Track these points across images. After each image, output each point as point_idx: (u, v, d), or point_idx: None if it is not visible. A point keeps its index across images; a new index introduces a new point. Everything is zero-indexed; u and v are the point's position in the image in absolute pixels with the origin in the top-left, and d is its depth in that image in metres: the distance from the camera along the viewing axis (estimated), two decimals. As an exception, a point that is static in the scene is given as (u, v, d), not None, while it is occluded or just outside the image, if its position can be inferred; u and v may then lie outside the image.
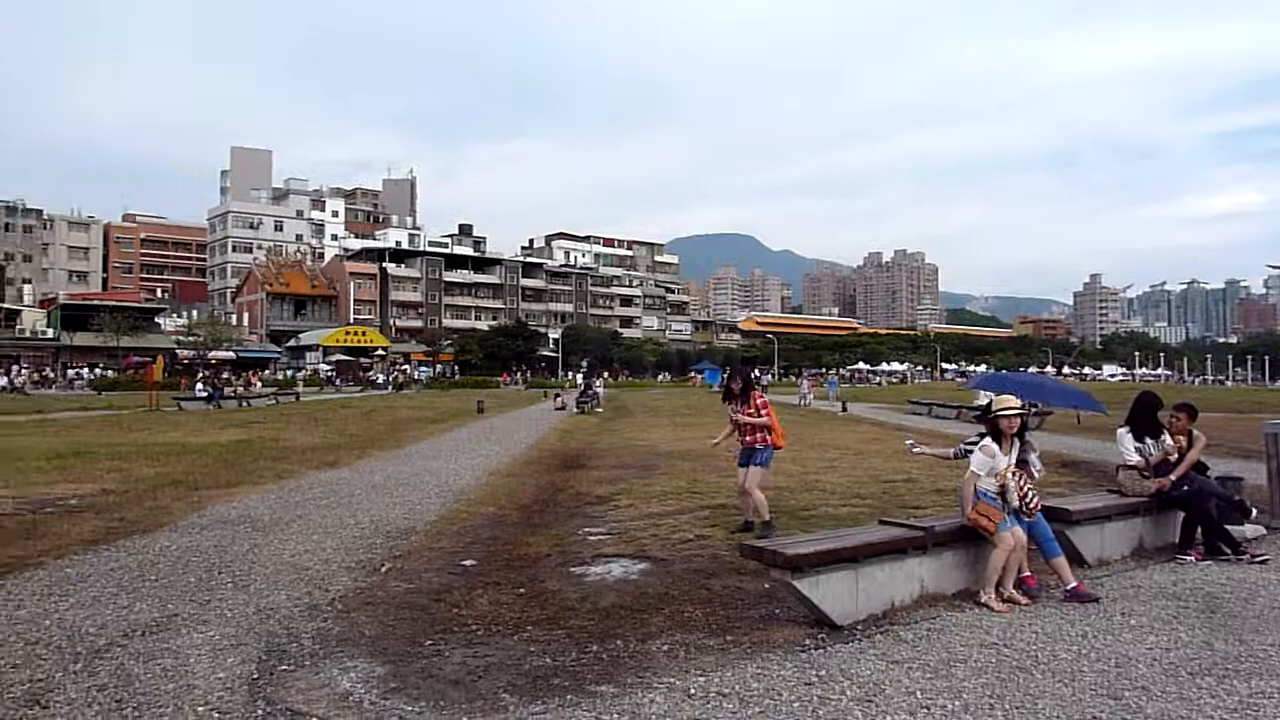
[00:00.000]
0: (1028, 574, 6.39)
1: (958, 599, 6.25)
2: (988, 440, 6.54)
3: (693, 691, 4.45)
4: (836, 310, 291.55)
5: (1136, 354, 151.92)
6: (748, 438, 8.92)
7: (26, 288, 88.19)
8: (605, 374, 75.63)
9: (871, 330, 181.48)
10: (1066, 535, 7.25)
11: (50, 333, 73.06)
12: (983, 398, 6.88)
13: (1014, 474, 6.43)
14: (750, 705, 4.28)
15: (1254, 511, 8.76)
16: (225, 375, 49.84)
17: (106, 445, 17.75)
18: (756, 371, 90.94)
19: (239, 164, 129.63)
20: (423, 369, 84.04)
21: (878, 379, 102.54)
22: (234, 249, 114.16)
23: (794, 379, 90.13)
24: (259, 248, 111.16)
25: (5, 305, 75.46)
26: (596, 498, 11.21)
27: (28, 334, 72.64)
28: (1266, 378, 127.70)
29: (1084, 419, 22.33)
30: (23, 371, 63.01)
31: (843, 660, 4.97)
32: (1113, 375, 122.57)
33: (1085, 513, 7.56)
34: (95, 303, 76.26)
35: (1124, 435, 8.30)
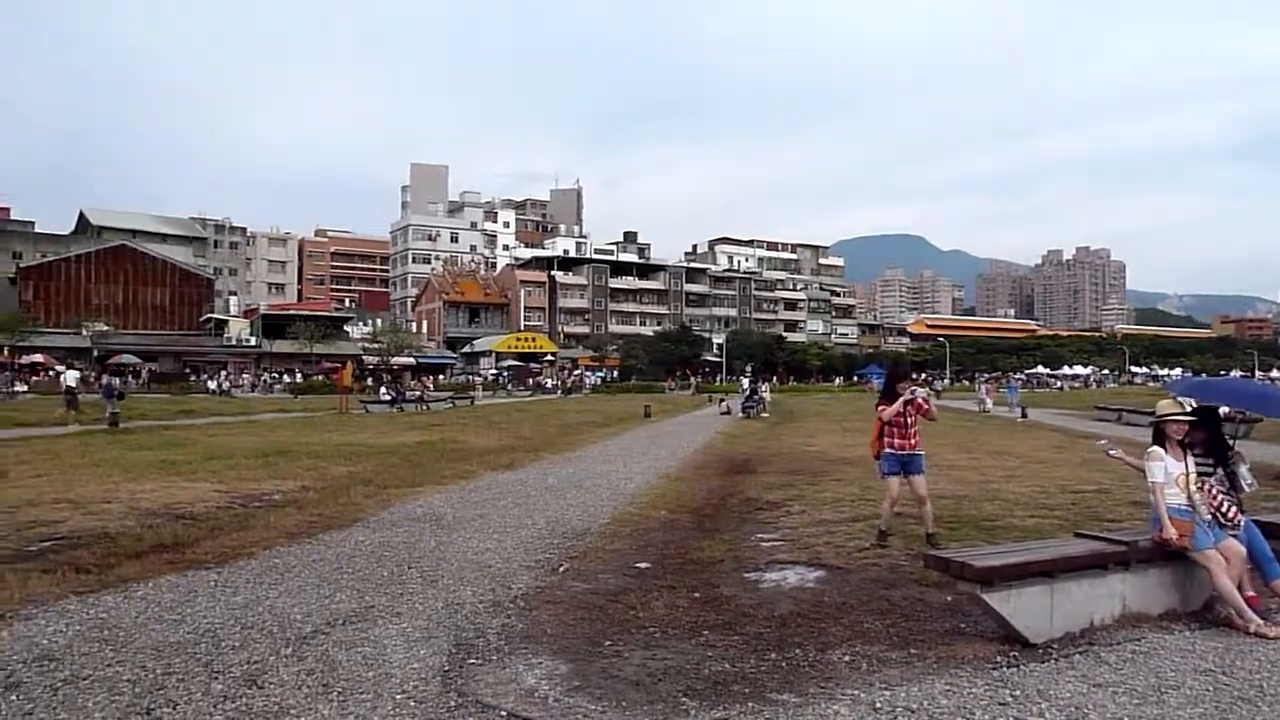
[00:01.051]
0: (1251, 594, 5.86)
1: (1165, 620, 5.80)
2: (1154, 447, 6.07)
3: (879, 705, 4.32)
4: (1012, 311, 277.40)
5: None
6: (912, 441, 8.39)
7: (233, 299, 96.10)
8: (773, 378, 75.00)
9: (1051, 332, 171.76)
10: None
11: (252, 340, 79.34)
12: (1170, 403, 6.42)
13: (1203, 485, 5.95)
14: (940, 723, 4.11)
15: None
16: (415, 380, 52.52)
17: (304, 445, 19.07)
18: (926, 375, 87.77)
19: (418, 179, 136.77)
20: (594, 375, 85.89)
21: (1058, 384, 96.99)
22: (414, 260, 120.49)
23: (968, 383, 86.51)
24: (436, 259, 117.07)
25: (215, 315, 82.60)
26: (767, 503, 11.10)
27: (234, 341, 79.15)
28: None
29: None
30: (242, 376, 68.79)
31: (1039, 680, 4.70)
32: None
33: (1312, 530, 6.85)
34: (291, 313, 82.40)
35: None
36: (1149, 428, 6.40)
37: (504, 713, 4.26)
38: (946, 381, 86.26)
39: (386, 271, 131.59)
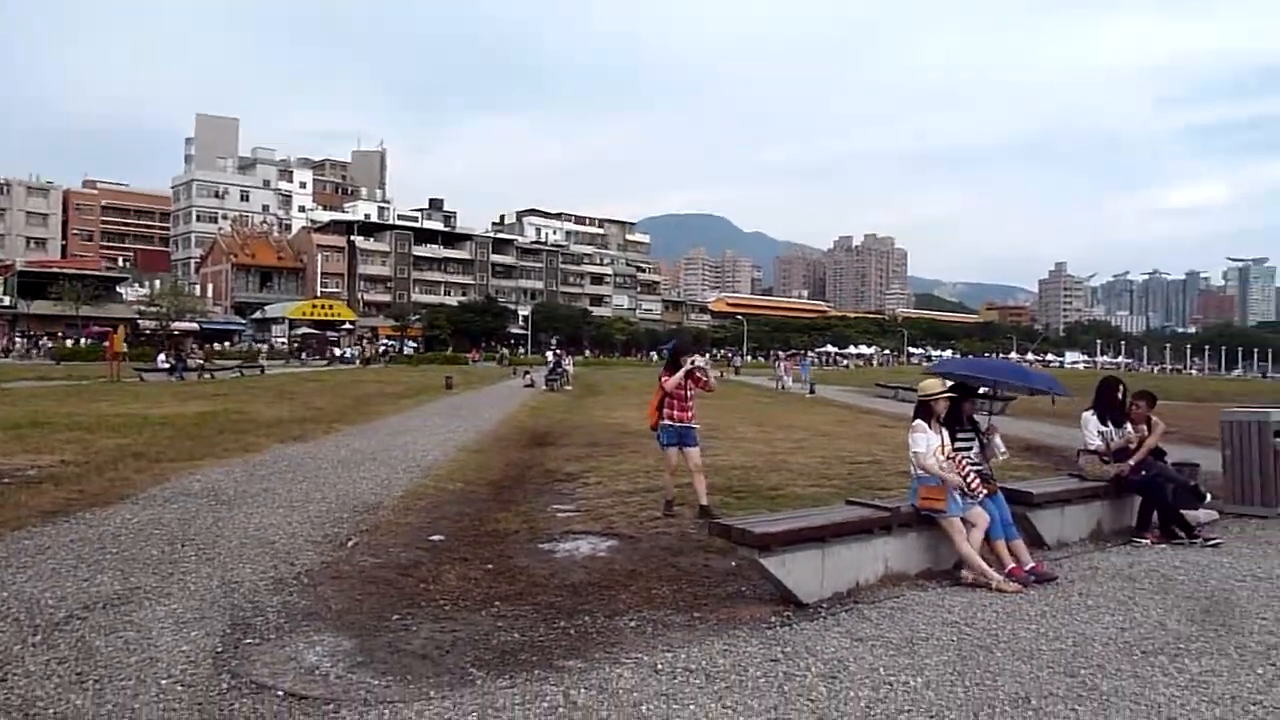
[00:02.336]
0: (1013, 565, 6.46)
1: (920, 579, 6.34)
2: (917, 421, 6.64)
3: (660, 667, 4.49)
4: (806, 293, 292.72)
5: (1098, 342, 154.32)
6: (689, 414, 8.57)
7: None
8: (585, 352, 75.28)
9: (840, 313, 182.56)
10: (1028, 518, 7.38)
11: (6, 300, 71.51)
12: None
13: (953, 457, 6.55)
14: (717, 681, 4.32)
15: (1208, 496, 8.94)
16: (197, 347, 49.10)
17: (65, 416, 17.45)
18: (725, 351, 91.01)
19: (205, 132, 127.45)
20: (410, 344, 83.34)
21: (845, 362, 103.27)
22: (198, 218, 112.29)
23: (763, 361, 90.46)
24: (224, 218, 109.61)
25: (-40, 271, 73.88)
26: (566, 475, 11.22)
27: (-18, 301, 71.12)
28: (1223, 367, 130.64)
29: (1057, 403, 22.54)
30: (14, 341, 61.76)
31: (808, 637, 5.03)
32: (1075, 362, 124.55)
33: (1046, 496, 7.70)
34: (54, 270, 74.71)
35: (1090, 419, 8.44)
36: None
37: (281, 692, 4.11)
38: (748, 358, 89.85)
39: (167, 229, 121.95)
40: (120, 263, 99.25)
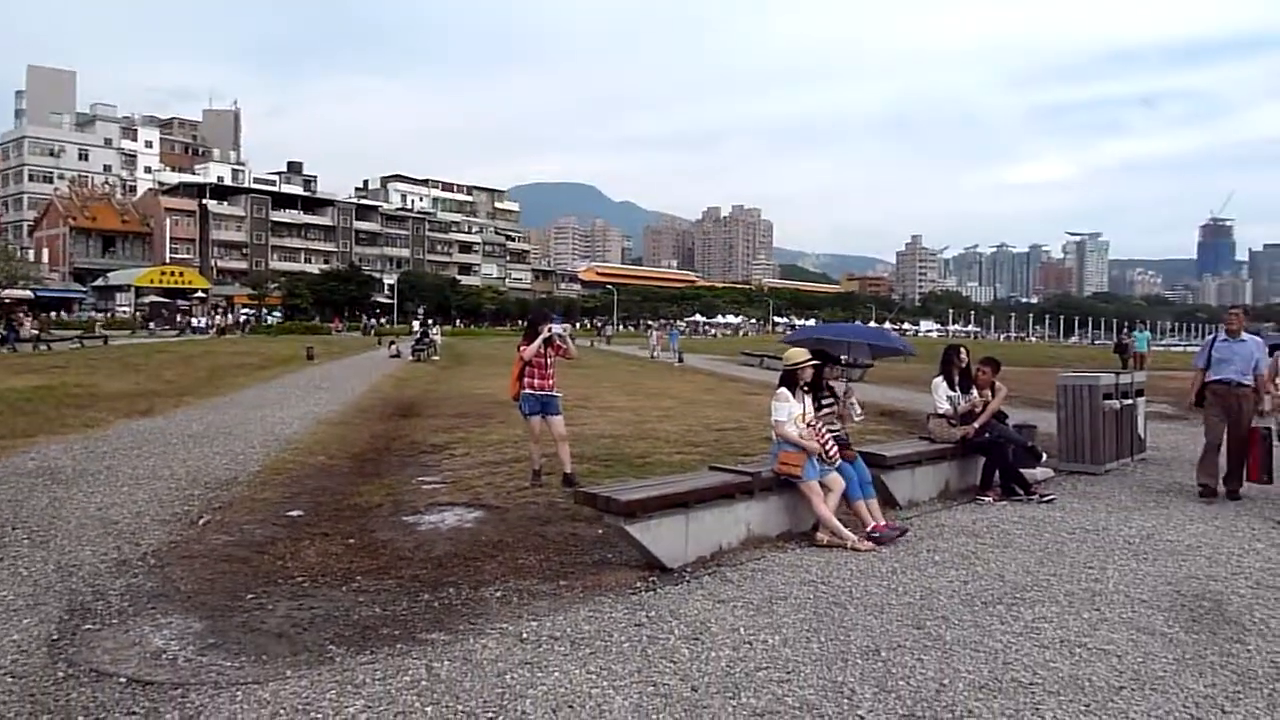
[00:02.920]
0: (877, 522, 6.73)
1: (780, 540, 6.55)
2: (781, 389, 6.84)
3: (525, 636, 4.49)
4: (675, 263, 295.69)
5: (950, 311, 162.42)
6: (550, 382, 8.50)
7: None
8: (455, 322, 73.79)
9: (709, 284, 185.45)
10: (882, 479, 7.71)
11: None
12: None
13: (811, 424, 6.77)
14: (582, 647, 4.36)
15: (1044, 456, 9.60)
16: (30, 316, 45.65)
17: (-122, 391, 16.00)
18: (597, 321, 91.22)
19: (37, 85, 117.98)
20: (272, 314, 79.74)
21: (713, 331, 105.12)
22: (31, 178, 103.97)
23: (634, 330, 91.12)
24: (61, 178, 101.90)
25: None
26: (432, 446, 11.04)
27: None
28: (1061, 334, 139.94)
29: (909, 362, 23.53)
30: None
31: (672, 601, 5.13)
32: (929, 331, 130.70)
33: (899, 458, 8.06)
34: None
35: (939, 384, 8.88)
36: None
37: (123, 679, 3.91)
38: (619, 327, 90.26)
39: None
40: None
